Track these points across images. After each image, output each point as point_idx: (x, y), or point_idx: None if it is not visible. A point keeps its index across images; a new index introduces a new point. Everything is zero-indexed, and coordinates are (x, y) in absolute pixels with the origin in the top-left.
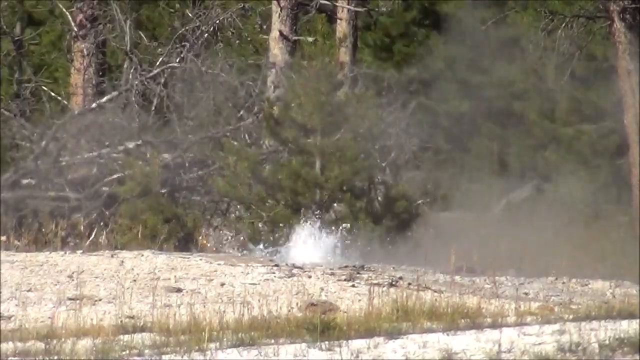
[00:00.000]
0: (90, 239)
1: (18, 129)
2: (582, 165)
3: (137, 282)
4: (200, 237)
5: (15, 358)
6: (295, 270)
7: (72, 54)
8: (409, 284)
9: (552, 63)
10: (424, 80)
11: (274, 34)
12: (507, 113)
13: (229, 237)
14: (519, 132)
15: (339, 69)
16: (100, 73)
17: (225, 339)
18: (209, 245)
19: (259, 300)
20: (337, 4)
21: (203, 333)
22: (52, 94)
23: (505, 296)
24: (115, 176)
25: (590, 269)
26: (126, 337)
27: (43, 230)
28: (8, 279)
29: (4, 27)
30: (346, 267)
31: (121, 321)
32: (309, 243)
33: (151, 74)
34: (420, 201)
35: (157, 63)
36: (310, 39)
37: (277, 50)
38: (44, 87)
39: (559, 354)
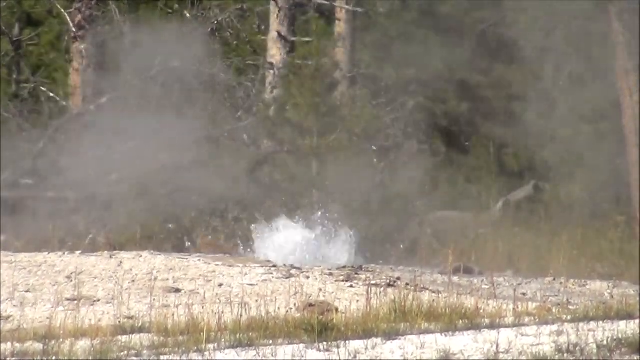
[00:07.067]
0: (89, 239)
1: (17, 130)
2: (580, 166)
3: (136, 283)
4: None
5: (14, 359)
6: (293, 271)
7: (71, 55)
8: (407, 284)
9: (551, 63)
10: (423, 81)
11: (272, 34)
12: (505, 113)
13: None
14: (517, 133)
15: (335, 69)
16: (99, 74)
17: (223, 340)
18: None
19: (257, 301)
20: (335, 4)
21: (201, 333)
22: (51, 94)
23: (503, 297)
24: (113, 177)
25: (589, 270)
26: (124, 338)
27: (41, 230)
28: (6, 279)
29: (3, 27)
30: (344, 267)
31: (119, 322)
32: (306, 244)
33: (150, 75)
34: (418, 202)
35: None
36: (307, 40)
37: (275, 51)
38: (42, 88)
39: (556, 355)
